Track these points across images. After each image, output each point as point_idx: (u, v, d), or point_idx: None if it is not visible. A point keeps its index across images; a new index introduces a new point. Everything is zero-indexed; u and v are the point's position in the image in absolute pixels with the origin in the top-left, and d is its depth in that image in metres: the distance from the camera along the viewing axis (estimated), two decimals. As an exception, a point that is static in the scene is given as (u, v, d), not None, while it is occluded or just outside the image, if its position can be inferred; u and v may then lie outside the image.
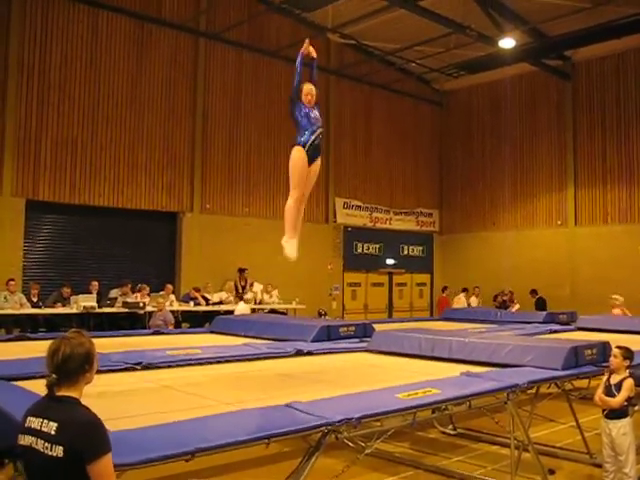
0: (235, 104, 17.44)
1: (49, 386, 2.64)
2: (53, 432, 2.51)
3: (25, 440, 2.60)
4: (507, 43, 16.94)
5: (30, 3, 14.13)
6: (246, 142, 17.55)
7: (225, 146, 17.18)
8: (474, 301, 18.63)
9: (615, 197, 18.72)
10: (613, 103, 18.82)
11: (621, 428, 5.62)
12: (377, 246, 21.08)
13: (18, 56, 13.92)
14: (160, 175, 15.98)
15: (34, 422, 2.59)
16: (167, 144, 16.12)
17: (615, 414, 5.66)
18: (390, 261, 21.49)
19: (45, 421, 2.55)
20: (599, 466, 6.30)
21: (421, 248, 22.57)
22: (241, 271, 16.36)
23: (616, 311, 13.05)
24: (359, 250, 20.58)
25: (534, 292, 18.55)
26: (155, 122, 15.94)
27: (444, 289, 19.81)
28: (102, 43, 15.15)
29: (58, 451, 2.48)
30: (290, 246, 5.81)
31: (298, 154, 5.75)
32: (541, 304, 18.15)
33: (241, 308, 13.62)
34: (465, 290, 18.93)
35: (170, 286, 14.94)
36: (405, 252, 22.07)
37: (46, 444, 2.51)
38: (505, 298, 18.63)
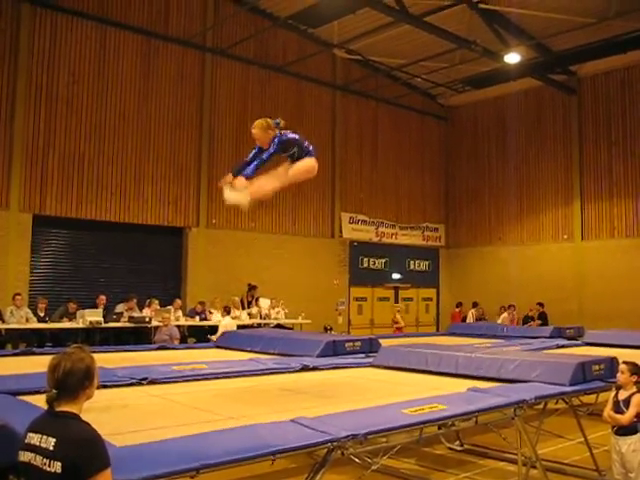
0: (241, 119, 17.49)
1: (49, 401, 2.63)
2: (52, 448, 2.50)
3: (25, 456, 2.59)
4: (512, 58, 17.01)
5: (39, 19, 14.28)
6: (252, 157, 17.56)
7: (231, 161, 17.18)
8: (506, 319, 17.62)
9: (622, 211, 18.67)
10: (619, 117, 18.82)
11: (631, 445, 5.55)
12: (383, 261, 21.05)
13: (27, 71, 14.04)
14: (166, 190, 16.04)
15: (33, 438, 2.58)
16: (173, 159, 16.20)
17: (625, 430, 5.60)
18: (396, 276, 21.45)
19: (44, 437, 2.54)
20: (608, 483, 6.23)
21: (427, 263, 22.52)
22: (250, 288, 16.34)
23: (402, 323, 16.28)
24: (365, 265, 20.56)
25: (540, 305, 18.42)
26: (162, 137, 16.02)
27: (458, 305, 19.73)
28: (110, 59, 15.28)
29: (56, 467, 2.46)
30: (237, 194, 5.71)
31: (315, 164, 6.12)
32: (542, 318, 18.05)
33: (226, 323, 13.32)
34: (475, 305, 18.86)
35: (179, 301, 14.97)
36: (411, 267, 22.04)
37: (45, 460, 2.50)
38: (531, 314, 18.42)
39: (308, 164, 6.03)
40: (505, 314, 17.68)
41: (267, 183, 5.94)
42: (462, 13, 16.38)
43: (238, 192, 5.63)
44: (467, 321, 18.41)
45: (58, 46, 14.54)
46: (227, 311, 14.22)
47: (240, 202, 5.66)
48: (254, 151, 6.07)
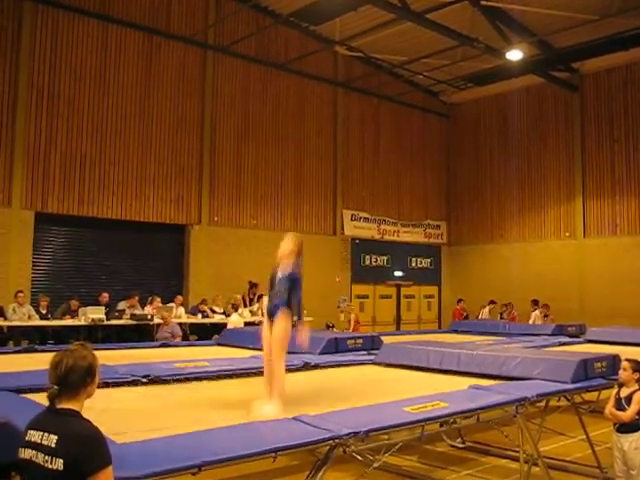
0: (243, 117, 17.51)
1: (50, 398, 2.64)
2: (53, 445, 2.50)
3: (26, 453, 2.60)
4: (514, 55, 16.97)
5: (40, 17, 14.27)
6: (254, 154, 17.60)
7: (233, 159, 17.24)
8: (538, 317, 17.05)
9: (624, 209, 18.64)
10: (621, 114, 18.79)
11: (633, 442, 5.54)
12: (385, 258, 21.05)
13: (28, 70, 14.04)
14: (168, 187, 16.04)
15: (34, 435, 2.59)
16: (175, 157, 16.20)
17: (627, 428, 5.59)
18: (398, 273, 21.44)
19: (45, 434, 2.55)
20: (610, 480, 6.23)
21: (429, 260, 22.52)
22: (252, 285, 16.34)
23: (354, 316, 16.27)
24: (367, 262, 20.56)
25: (535, 302, 18.40)
26: (163, 135, 16.02)
27: (459, 301, 19.73)
28: (111, 56, 15.27)
29: (58, 464, 2.46)
30: (276, 410, 4.69)
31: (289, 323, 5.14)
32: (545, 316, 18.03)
33: (234, 320, 13.37)
34: (492, 302, 18.79)
35: (180, 297, 15.00)
36: (413, 264, 22.03)
37: (46, 457, 2.50)
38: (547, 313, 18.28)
39: (284, 329, 5.07)
40: (537, 312, 17.26)
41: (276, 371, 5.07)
42: (464, 10, 16.35)
43: (274, 406, 4.73)
44: (480, 317, 18.35)
45: (60, 44, 14.54)
46: (235, 308, 14.21)
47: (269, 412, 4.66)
48: (279, 277, 5.22)
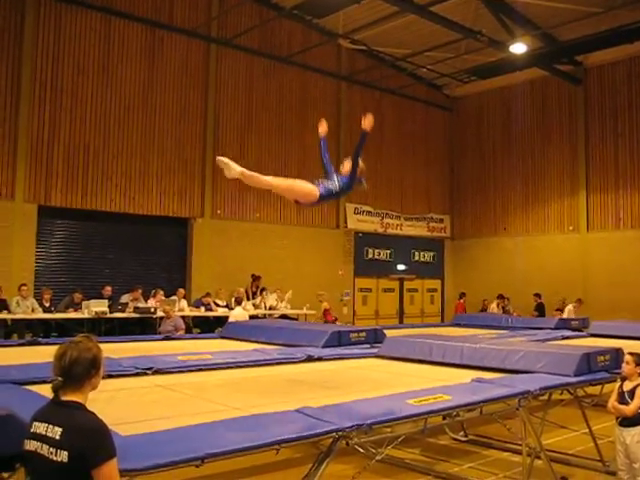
0: (246, 110, 17.49)
1: (54, 389, 2.65)
2: (58, 437, 2.51)
3: (30, 445, 2.61)
4: (518, 48, 16.90)
5: (43, 10, 14.26)
6: (257, 147, 17.59)
7: (236, 151, 17.20)
8: (571, 311, 16.50)
9: (627, 202, 18.61)
10: (625, 108, 18.72)
11: (635, 436, 5.55)
12: (388, 252, 21.04)
13: (31, 62, 14.03)
14: (171, 181, 16.04)
15: (39, 427, 2.60)
16: (178, 150, 16.19)
17: (629, 421, 5.60)
18: (401, 267, 21.45)
19: (50, 426, 2.56)
20: (613, 474, 6.24)
21: (432, 254, 22.51)
22: (255, 278, 16.36)
23: (324, 305, 16.20)
24: (370, 256, 20.55)
25: (537, 296, 18.39)
26: (167, 128, 16.02)
27: (461, 296, 19.70)
28: (114, 49, 15.26)
29: (63, 456, 2.48)
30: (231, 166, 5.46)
31: (311, 189, 5.58)
32: (540, 309, 18.03)
33: (236, 314, 13.28)
34: (501, 297, 18.69)
35: (182, 290, 15.00)
36: (416, 258, 22.02)
37: (51, 449, 2.51)
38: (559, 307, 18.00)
39: (310, 190, 5.53)
40: (570, 306, 16.79)
41: (266, 176, 5.69)
42: (468, 3, 16.30)
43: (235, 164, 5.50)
44: (489, 311, 18.23)
45: (63, 37, 14.52)
46: (238, 302, 14.15)
47: (228, 166, 5.50)
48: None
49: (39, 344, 8.49)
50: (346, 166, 5.78)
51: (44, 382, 4.68)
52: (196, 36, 16.50)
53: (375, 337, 8.73)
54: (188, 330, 13.54)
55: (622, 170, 18.72)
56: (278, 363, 6.98)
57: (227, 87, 17.20)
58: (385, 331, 9.07)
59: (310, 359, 7.18)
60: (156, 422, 3.94)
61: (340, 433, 3.83)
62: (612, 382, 6.21)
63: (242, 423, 3.87)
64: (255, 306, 15.41)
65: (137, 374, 5.85)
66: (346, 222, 19.75)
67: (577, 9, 16.09)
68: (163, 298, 14.20)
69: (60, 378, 2.63)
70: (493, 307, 18.53)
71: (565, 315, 16.11)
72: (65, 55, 14.55)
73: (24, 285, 12.85)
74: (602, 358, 6.38)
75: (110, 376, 5.34)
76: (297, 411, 4.11)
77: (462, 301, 19.49)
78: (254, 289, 16.33)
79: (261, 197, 17.57)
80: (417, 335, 8.59)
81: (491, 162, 21.87)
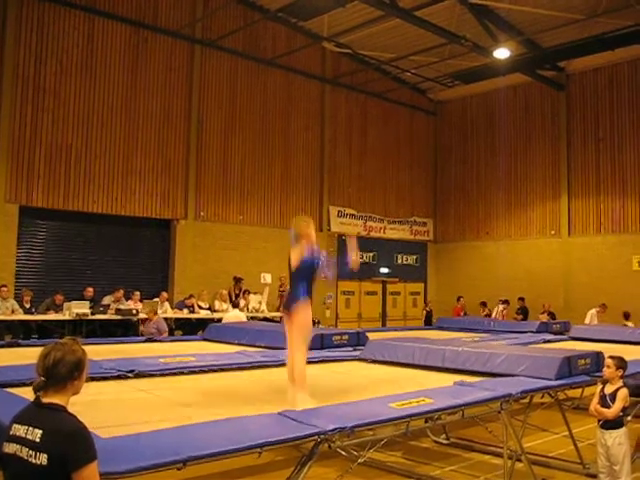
0: (230, 111, 17.45)
1: (36, 389, 2.62)
2: (37, 440, 2.49)
3: (10, 448, 2.58)
4: (501, 53, 17.03)
5: (26, 9, 14.11)
6: (241, 149, 17.55)
7: (220, 153, 17.18)
8: (593, 317, 15.78)
9: (608, 207, 18.77)
10: (606, 114, 18.90)
11: (617, 438, 5.61)
12: (371, 255, 21.06)
13: (13, 62, 13.88)
14: (154, 182, 15.95)
15: (19, 429, 2.57)
16: (162, 151, 16.11)
17: (611, 424, 5.65)
18: (384, 270, 21.48)
19: (30, 428, 2.53)
20: (593, 476, 6.29)
21: (415, 257, 22.56)
22: (237, 280, 16.31)
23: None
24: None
25: (521, 299, 18.47)
26: (150, 129, 15.93)
27: (459, 299, 19.67)
28: (98, 49, 15.15)
29: (42, 459, 2.45)
30: (306, 399, 4.89)
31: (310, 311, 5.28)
32: (524, 313, 18.10)
33: (231, 315, 13.21)
34: (506, 302, 18.06)
35: (165, 294, 14.91)
36: (399, 261, 22.06)
37: (30, 452, 2.48)
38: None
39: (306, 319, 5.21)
40: (593, 311, 15.89)
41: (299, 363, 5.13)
42: (452, 8, 16.38)
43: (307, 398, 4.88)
44: (493, 316, 17.91)
45: (45, 36, 14.38)
46: (236, 305, 14.00)
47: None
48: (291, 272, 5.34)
49: (19, 346, 8.42)
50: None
51: (24, 385, 4.65)
52: (180, 37, 16.44)
53: (358, 340, 8.74)
54: (170, 332, 13.47)
55: (603, 175, 18.88)
56: (261, 366, 6.97)
57: (211, 88, 17.14)
58: (368, 334, 9.09)
59: (293, 362, 7.16)
60: (138, 425, 3.92)
61: (322, 436, 3.83)
62: (592, 385, 6.27)
63: (224, 426, 3.85)
64: (239, 309, 15.35)
65: (119, 377, 5.82)
66: (329, 225, 19.75)
67: (560, 16, 16.23)
68: (139, 300, 14.14)
69: (42, 378, 2.61)
70: (498, 312, 18.08)
71: (587, 320, 15.55)
72: (47, 54, 14.42)
73: (4, 286, 12.72)
74: (583, 362, 6.44)
75: (92, 378, 5.30)
76: (279, 414, 4.11)
77: (460, 305, 19.41)
78: (237, 291, 16.28)
79: (244, 200, 17.54)
80: (400, 338, 8.63)
81: (474, 166, 21.98)
